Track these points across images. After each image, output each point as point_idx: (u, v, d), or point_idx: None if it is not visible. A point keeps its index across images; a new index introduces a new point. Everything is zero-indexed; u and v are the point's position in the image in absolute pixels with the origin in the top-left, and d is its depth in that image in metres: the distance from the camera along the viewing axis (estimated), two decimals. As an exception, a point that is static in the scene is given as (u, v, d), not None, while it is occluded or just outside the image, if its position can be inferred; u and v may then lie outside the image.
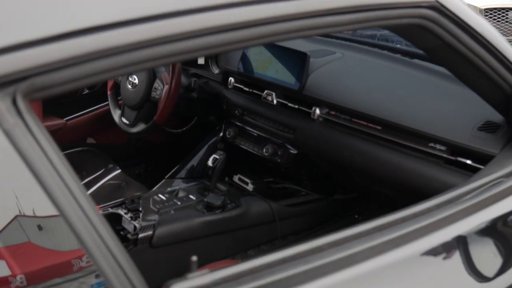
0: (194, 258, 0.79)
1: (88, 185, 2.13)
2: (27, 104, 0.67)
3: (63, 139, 2.51)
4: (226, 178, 2.12)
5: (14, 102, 0.67)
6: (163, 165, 2.31)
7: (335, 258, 0.86)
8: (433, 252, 0.99)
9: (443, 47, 1.17)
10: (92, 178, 2.20)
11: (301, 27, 0.91)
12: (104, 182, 2.19)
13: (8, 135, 0.66)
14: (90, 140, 2.65)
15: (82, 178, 2.17)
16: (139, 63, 0.74)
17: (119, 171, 2.21)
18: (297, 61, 1.85)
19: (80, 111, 2.57)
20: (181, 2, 0.79)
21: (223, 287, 0.76)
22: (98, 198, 2.03)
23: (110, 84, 2.34)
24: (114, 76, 0.74)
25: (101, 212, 1.90)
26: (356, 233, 0.92)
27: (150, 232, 1.75)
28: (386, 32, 2.59)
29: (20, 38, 0.67)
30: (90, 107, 2.59)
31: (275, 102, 1.95)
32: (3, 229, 0.73)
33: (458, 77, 1.31)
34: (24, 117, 0.66)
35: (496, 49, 1.19)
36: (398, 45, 2.22)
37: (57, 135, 2.50)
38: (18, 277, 0.73)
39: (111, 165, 2.25)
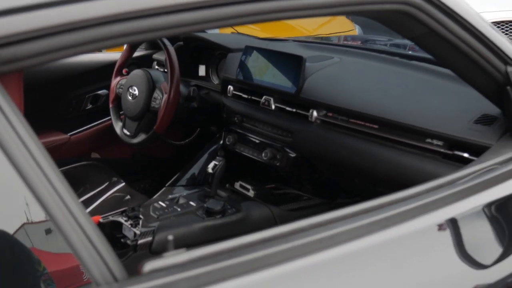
0: (170, 237, 0.78)
1: (92, 198, 2.14)
2: None
3: (68, 154, 2.52)
4: (227, 185, 2.12)
5: None
6: (168, 179, 2.31)
7: (317, 238, 0.85)
8: (419, 236, 0.97)
9: (430, 35, 1.16)
10: (97, 192, 2.20)
11: (281, 7, 0.91)
12: (109, 195, 2.19)
13: None
14: (94, 155, 2.66)
15: (86, 192, 2.18)
16: (110, 38, 0.74)
17: (123, 184, 2.22)
18: (293, 65, 1.86)
19: (84, 126, 2.59)
20: None
21: (200, 265, 0.75)
22: (103, 210, 2.03)
23: (111, 97, 2.36)
24: (86, 50, 0.73)
25: (101, 220, 1.90)
26: (341, 215, 0.91)
27: (149, 238, 1.74)
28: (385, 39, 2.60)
29: None
30: (93, 122, 2.61)
31: (273, 107, 1.95)
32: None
33: (449, 67, 1.30)
34: None
35: (485, 35, 1.18)
36: (396, 50, 2.23)
37: (61, 150, 2.51)
38: None
39: (115, 179, 2.25)
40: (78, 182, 2.23)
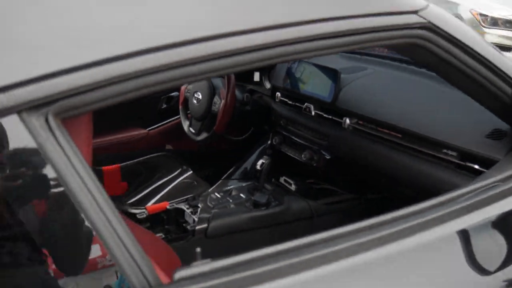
0: (198, 249, 0.81)
1: (166, 183, 2.22)
2: (58, 122, 0.71)
3: (146, 146, 2.62)
4: (273, 179, 2.13)
5: (46, 120, 0.71)
6: (227, 168, 2.36)
7: (327, 252, 0.85)
8: (421, 248, 0.95)
9: (440, 62, 1.12)
10: (170, 178, 2.28)
11: (306, 49, 0.90)
12: (179, 181, 2.26)
13: (41, 147, 0.71)
14: (168, 147, 2.75)
15: (161, 177, 2.25)
16: (150, 86, 0.77)
17: (191, 172, 2.28)
18: (330, 77, 1.84)
19: (159, 123, 2.68)
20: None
21: (221, 275, 0.78)
22: (173, 194, 2.10)
23: (181, 99, 2.42)
24: (133, 97, 0.76)
25: (168, 207, 1.97)
26: (353, 229, 0.90)
27: (205, 225, 1.80)
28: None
29: (49, 69, 0.71)
30: (167, 119, 2.69)
31: (313, 113, 1.95)
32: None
33: (460, 89, 1.25)
34: (54, 133, 0.71)
35: (490, 62, 1.13)
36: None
37: (141, 142, 2.61)
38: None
39: (184, 167, 2.32)
40: (155, 170, 2.32)
